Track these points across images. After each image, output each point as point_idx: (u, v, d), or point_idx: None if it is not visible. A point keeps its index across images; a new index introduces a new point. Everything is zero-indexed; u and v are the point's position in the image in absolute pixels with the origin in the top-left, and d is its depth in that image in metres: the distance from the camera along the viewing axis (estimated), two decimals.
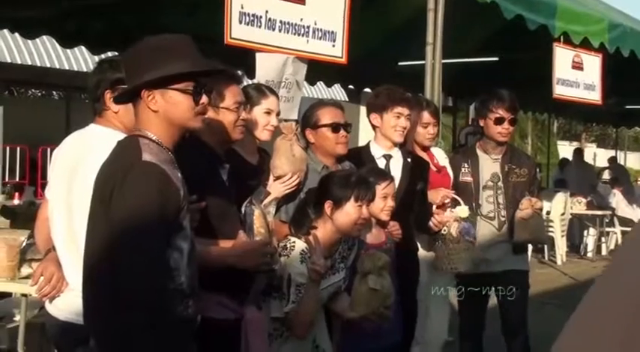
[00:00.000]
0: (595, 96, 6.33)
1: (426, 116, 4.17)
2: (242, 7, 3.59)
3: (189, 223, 2.18)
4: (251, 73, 4.32)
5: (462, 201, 4.06)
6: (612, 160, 16.43)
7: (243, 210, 2.74)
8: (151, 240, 2.05)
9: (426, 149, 4.25)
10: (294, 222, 3.10)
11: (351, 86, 10.08)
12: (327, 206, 3.05)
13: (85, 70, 11.72)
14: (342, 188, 3.07)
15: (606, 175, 15.79)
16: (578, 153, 14.53)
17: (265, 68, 4.03)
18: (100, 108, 2.73)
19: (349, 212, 3.05)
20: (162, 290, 2.07)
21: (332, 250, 3.12)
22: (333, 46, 4.11)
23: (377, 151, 3.89)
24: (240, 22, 3.61)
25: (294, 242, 3.03)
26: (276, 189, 3.18)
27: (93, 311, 2.18)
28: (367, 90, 9.43)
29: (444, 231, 4.03)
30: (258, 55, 4.22)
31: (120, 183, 2.06)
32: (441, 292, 4.32)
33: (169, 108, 2.16)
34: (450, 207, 4.09)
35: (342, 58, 4.18)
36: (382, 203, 3.44)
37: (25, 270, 3.56)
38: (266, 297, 2.95)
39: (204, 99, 2.21)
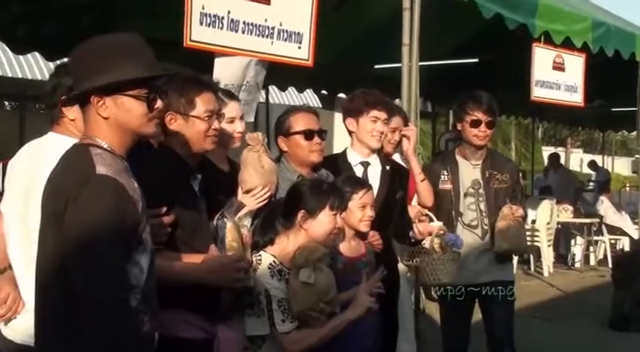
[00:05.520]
0: (577, 98, 6.42)
1: (395, 120, 4.22)
2: (203, 8, 3.60)
3: (150, 236, 2.18)
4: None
5: (434, 218, 4.11)
6: (593, 164, 16.63)
7: (215, 222, 2.75)
8: (111, 258, 2.04)
9: (388, 155, 4.28)
10: (259, 234, 3.12)
11: (324, 91, 10.12)
12: (301, 216, 3.07)
13: (39, 78, 11.60)
14: (316, 196, 3.09)
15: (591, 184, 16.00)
16: (553, 158, 14.69)
17: (224, 73, 4.05)
18: (56, 115, 2.73)
19: (324, 222, 3.08)
20: (124, 310, 2.06)
21: None
22: (299, 47, 4.13)
23: (354, 158, 3.93)
24: (201, 24, 3.60)
25: (260, 255, 3.04)
26: (247, 203, 3.19)
27: (47, 334, 2.15)
28: (341, 95, 9.47)
29: (425, 243, 4.06)
30: (216, 60, 4.22)
31: (73, 199, 2.04)
32: (406, 301, 4.36)
33: (121, 114, 2.15)
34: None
35: (308, 60, 4.21)
36: (360, 213, 3.46)
37: None
38: (237, 314, 2.95)
39: (158, 103, 2.20)
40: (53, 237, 2.10)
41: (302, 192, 3.13)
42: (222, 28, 3.70)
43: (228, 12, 3.71)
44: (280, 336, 2.94)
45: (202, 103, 2.77)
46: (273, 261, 3.02)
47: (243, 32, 3.81)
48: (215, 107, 2.83)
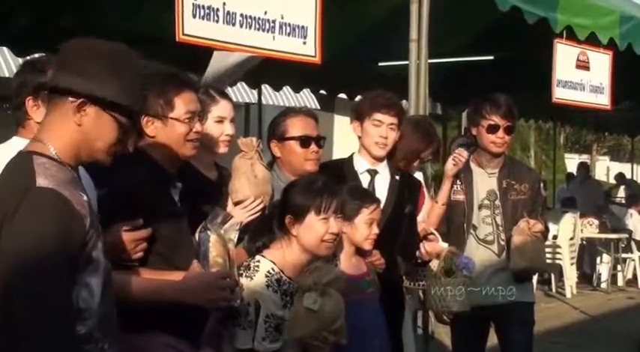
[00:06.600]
0: (603, 100, 6.40)
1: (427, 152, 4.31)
2: None
3: (102, 254, 2.15)
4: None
5: (439, 237, 4.11)
6: (621, 177, 16.66)
7: (197, 235, 2.74)
8: (52, 281, 2.01)
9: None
10: (253, 239, 3.13)
11: (322, 91, 10.12)
12: (288, 221, 3.08)
13: (7, 75, 11.61)
14: (302, 199, 3.09)
15: (621, 192, 16.02)
16: (583, 168, 14.71)
17: (219, 66, 4.05)
18: (22, 117, 2.71)
19: (311, 227, 3.07)
20: (70, 339, 2.04)
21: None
22: (304, 43, 4.11)
23: (361, 165, 3.94)
24: (194, 16, 3.60)
25: (258, 261, 3.04)
26: (237, 216, 3.17)
27: None
28: (342, 96, 9.47)
29: (433, 264, 4.06)
30: (215, 54, 4.22)
31: (10, 216, 2.01)
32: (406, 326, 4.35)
33: (97, 130, 2.15)
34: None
35: (315, 57, 4.19)
36: (367, 230, 3.46)
37: None
38: (227, 324, 2.96)
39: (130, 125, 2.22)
40: None
41: (289, 194, 3.13)
42: (217, 21, 3.70)
43: (224, 3, 3.71)
44: None
45: (182, 104, 2.76)
46: (272, 269, 3.03)
47: (241, 26, 3.80)
48: (196, 108, 2.82)
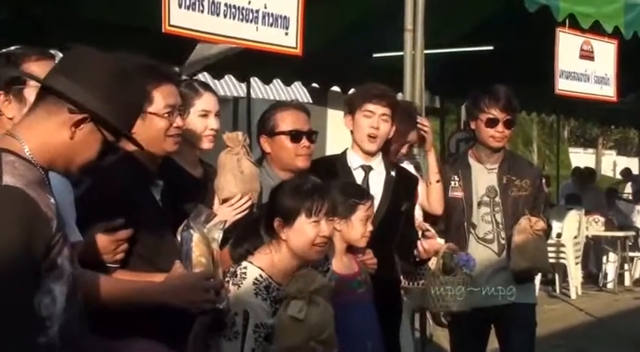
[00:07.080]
0: (608, 92, 6.41)
1: (412, 135, 4.28)
2: None
3: (68, 261, 2.13)
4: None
5: (435, 233, 4.11)
6: (627, 173, 16.69)
7: (179, 234, 2.73)
8: (15, 282, 1.99)
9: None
10: (240, 243, 3.11)
11: (314, 84, 10.12)
12: (277, 224, 3.06)
13: None
14: (291, 201, 3.07)
15: (628, 188, 16.05)
16: (579, 172, 14.72)
17: (204, 55, 4.08)
18: None
19: (301, 230, 3.05)
20: (31, 344, 2.02)
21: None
22: (286, 34, 4.16)
23: (354, 161, 3.94)
24: (180, 6, 3.66)
25: (245, 268, 3.02)
26: (223, 214, 3.16)
27: None
28: (335, 89, 9.47)
29: (432, 262, 4.06)
30: (199, 46, 4.23)
31: None
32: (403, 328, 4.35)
33: (83, 146, 2.15)
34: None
35: (296, 48, 4.23)
36: (363, 227, 3.46)
37: None
38: (212, 335, 2.94)
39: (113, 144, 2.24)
40: None
41: (277, 196, 3.12)
42: (202, 12, 3.75)
43: None
44: None
45: (161, 97, 2.75)
46: (260, 275, 3.01)
47: (225, 16, 3.85)
48: (177, 101, 2.81)
